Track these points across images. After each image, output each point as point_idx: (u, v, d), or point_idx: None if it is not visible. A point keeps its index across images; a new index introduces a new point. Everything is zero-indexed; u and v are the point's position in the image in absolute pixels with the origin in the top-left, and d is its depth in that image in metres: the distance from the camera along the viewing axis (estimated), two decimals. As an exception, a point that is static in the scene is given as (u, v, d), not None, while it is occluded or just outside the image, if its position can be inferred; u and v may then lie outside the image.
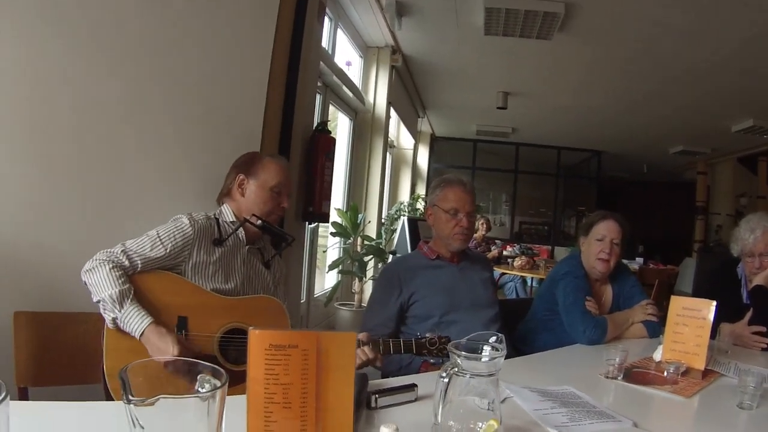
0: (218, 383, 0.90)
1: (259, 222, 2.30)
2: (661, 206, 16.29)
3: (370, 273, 7.07)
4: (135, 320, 1.90)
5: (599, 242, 2.90)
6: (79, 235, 2.49)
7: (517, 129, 12.53)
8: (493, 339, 1.32)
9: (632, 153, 14.17)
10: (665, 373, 2.13)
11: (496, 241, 10.07)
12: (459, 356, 1.21)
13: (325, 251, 7.05)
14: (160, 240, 2.06)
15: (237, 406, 1.01)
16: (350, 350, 1.07)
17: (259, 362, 1.01)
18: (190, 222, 2.14)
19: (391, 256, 7.57)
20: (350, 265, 6.77)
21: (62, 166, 2.51)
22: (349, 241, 6.75)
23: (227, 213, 2.34)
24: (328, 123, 5.30)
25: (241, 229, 2.30)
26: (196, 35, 2.93)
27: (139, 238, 2.06)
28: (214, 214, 2.32)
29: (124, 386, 0.84)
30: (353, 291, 7.02)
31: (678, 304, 2.35)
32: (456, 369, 1.22)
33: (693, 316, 2.28)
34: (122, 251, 2.00)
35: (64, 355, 2.12)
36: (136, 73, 2.71)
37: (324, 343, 1.04)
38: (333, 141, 4.65)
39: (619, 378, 2.08)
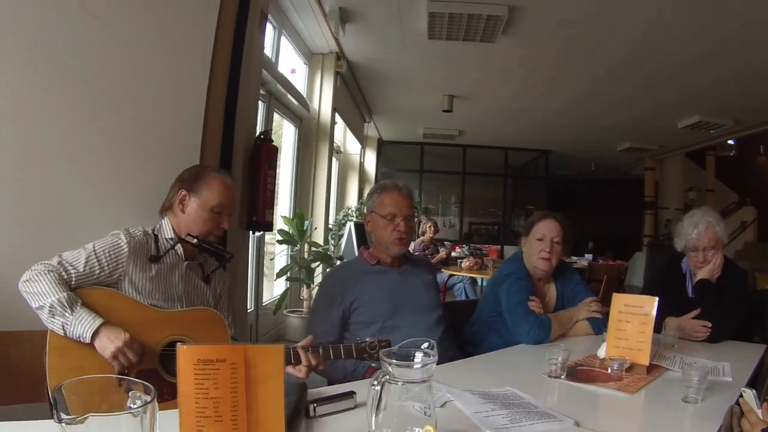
0: (148, 398, 0.91)
1: (195, 241, 2.28)
2: (610, 203, 16.66)
3: (318, 279, 7.06)
4: (87, 321, 1.88)
5: (540, 242, 2.96)
6: (16, 251, 2.42)
7: (463, 131, 12.70)
8: (425, 345, 1.34)
9: (580, 151, 14.51)
10: (609, 370, 2.17)
11: (445, 242, 10.15)
12: (390, 364, 1.23)
13: (272, 259, 7.02)
14: (95, 255, 2.04)
15: (174, 420, 1.02)
16: (279, 362, 1.08)
17: (188, 377, 1.02)
18: (126, 239, 2.12)
19: (338, 262, 7.58)
20: (298, 272, 6.76)
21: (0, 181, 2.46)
22: (296, 248, 6.75)
23: (167, 228, 2.31)
24: (272, 131, 5.29)
25: (179, 245, 2.28)
26: (131, 45, 2.89)
27: (75, 251, 2.04)
28: (153, 230, 2.29)
29: (55, 405, 0.85)
30: (302, 298, 7.01)
31: (620, 301, 2.39)
32: (388, 377, 1.24)
33: (635, 312, 2.32)
34: (59, 262, 1.98)
35: (7, 375, 2.09)
36: (69, 85, 2.66)
37: (252, 356, 1.06)
38: (276, 149, 4.65)
39: (562, 377, 2.11)
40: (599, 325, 2.84)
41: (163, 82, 3.02)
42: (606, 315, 2.73)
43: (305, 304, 6.90)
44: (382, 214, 2.75)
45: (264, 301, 6.44)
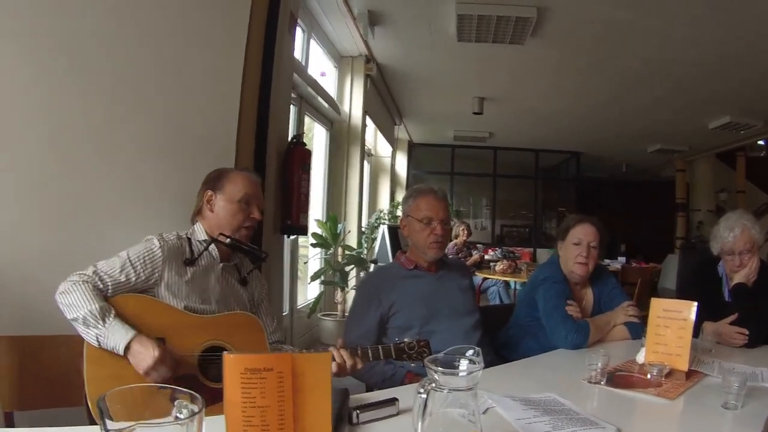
0: (196, 408, 0.90)
1: (228, 240, 2.28)
2: (641, 205, 16.38)
3: (352, 282, 7.07)
4: (119, 334, 1.88)
5: (576, 246, 2.92)
6: (54, 256, 2.45)
7: (494, 133, 12.62)
8: (470, 352, 1.32)
9: (610, 153, 14.34)
10: (649, 376, 2.13)
11: (478, 245, 10.09)
12: (436, 372, 1.21)
13: (306, 262, 7.04)
14: (130, 262, 2.04)
15: (217, 426, 1.01)
16: (326, 370, 1.07)
17: (235, 386, 1.01)
18: (159, 243, 2.13)
19: (372, 265, 7.57)
20: (332, 276, 6.77)
21: (34, 189, 2.48)
22: (330, 251, 6.75)
23: (199, 231, 2.32)
24: (304, 135, 5.30)
25: (213, 246, 2.28)
26: (164, 54, 2.90)
27: (110, 260, 2.04)
28: (186, 234, 2.29)
29: (101, 415, 0.84)
30: (336, 301, 7.03)
31: (658, 305, 2.35)
32: (434, 385, 1.22)
33: (674, 317, 2.27)
34: (94, 272, 1.98)
35: (45, 379, 2.09)
36: (105, 93, 2.68)
37: (299, 364, 1.04)
38: (309, 153, 4.65)
39: (602, 382, 2.07)
40: (636, 330, 2.80)
41: (196, 88, 3.03)
42: (642, 319, 2.69)
43: (339, 307, 6.91)
44: (418, 218, 2.73)
45: (298, 304, 6.46)
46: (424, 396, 1.23)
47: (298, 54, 5.61)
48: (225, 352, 1.01)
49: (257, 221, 2.37)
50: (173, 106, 2.93)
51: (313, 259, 7.07)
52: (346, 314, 6.48)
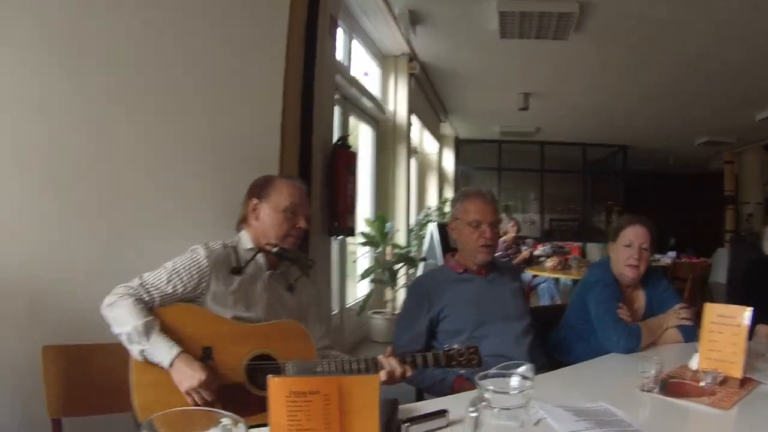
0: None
1: (275, 249, 2.26)
2: (689, 198, 16.07)
3: (401, 281, 7.06)
4: (164, 350, 1.88)
5: (627, 248, 2.84)
6: (100, 266, 2.51)
7: (540, 128, 12.50)
8: (522, 368, 1.29)
9: (657, 146, 14.10)
10: (702, 383, 2.06)
11: (527, 240, 9.98)
12: (487, 391, 1.18)
13: (355, 261, 7.05)
14: (177, 273, 2.05)
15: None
16: (373, 392, 1.05)
17: (280, 409, 1.00)
18: (206, 253, 2.12)
19: (421, 264, 7.55)
20: (381, 274, 6.77)
21: (79, 199, 2.54)
22: (379, 249, 6.74)
23: (245, 240, 2.31)
24: (350, 135, 5.29)
25: (260, 255, 2.27)
26: (205, 61, 2.92)
27: (156, 271, 2.05)
28: (232, 242, 2.29)
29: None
30: (385, 299, 7.02)
31: (712, 311, 2.27)
32: (484, 403, 1.19)
33: (728, 323, 2.20)
34: (140, 284, 2.00)
35: (93, 386, 2.14)
36: (149, 103, 2.72)
37: (346, 387, 1.02)
38: (354, 155, 4.64)
39: (654, 391, 2.01)
40: (689, 333, 2.71)
41: (238, 95, 3.04)
42: (695, 321, 2.60)
43: (389, 305, 6.91)
44: (467, 221, 2.69)
45: (348, 302, 6.48)
46: (474, 415, 1.21)
47: (340, 55, 5.61)
48: (270, 376, 1.00)
49: (303, 230, 2.36)
50: (215, 114, 2.95)
51: (362, 257, 7.08)
52: (396, 312, 6.51)
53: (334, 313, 5.61)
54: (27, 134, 2.40)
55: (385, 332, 6.58)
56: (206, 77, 2.92)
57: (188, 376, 1.87)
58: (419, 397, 2.57)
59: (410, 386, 2.50)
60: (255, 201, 2.32)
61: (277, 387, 1.00)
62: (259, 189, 2.35)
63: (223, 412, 0.94)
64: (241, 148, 3.01)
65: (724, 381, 2.08)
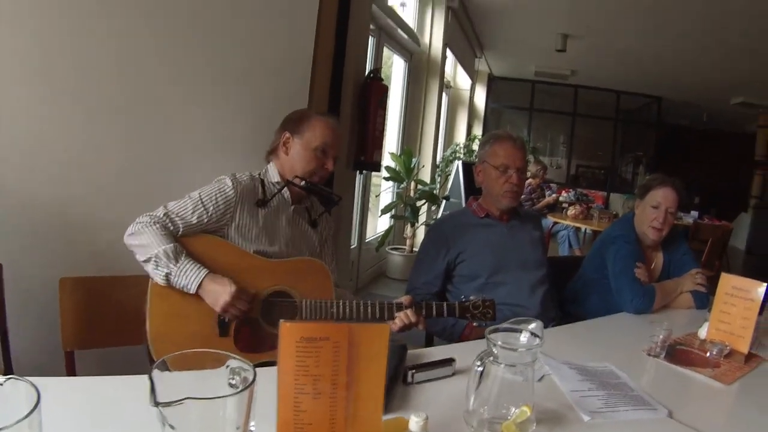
0: (249, 377, 0.91)
1: (303, 183, 2.25)
2: (719, 157, 15.67)
3: (422, 218, 7.06)
4: (192, 272, 1.91)
5: (654, 209, 2.81)
6: (123, 196, 2.50)
7: (576, 71, 12.20)
8: (533, 325, 1.30)
9: (693, 100, 13.73)
10: (708, 354, 2.07)
11: (552, 185, 9.90)
12: (495, 345, 1.19)
13: (378, 195, 7.05)
14: (202, 203, 2.05)
15: (272, 376, 1.02)
16: (383, 341, 1.05)
17: (290, 354, 1.01)
18: (233, 184, 2.12)
19: (444, 202, 7.53)
20: (403, 210, 6.77)
21: (106, 127, 2.50)
22: (403, 185, 6.72)
23: (272, 173, 2.30)
24: (382, 68, 5.22)
25: (286, 189, 2.27)
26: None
27: (181, 201, 2.05)
28: (259, 174, 2.29)
29: (152, 389, 0.85)
30: (405, 236, 7.04)
31: (728, 282, 2.25)
32: (491, 358, 1.21)
33: (742, 296, 2.18)
34: (165, 214, 2.00)
35: (108, 319, 2.16)
36: (178, 29, 2.66)
37: (356, 335, 1.03)
38: (386, 88, 4.60)
39: (661, 356, 2.03)
40: (702, 300, 2.72)
41: (271, 24, 2.97)
42: (710, 288, 2.60)
43: (408, 242, 6.93)
44: (494, 165, 2.66)
45: (367, 237, 6.51)
46: (480, 369, 1.22)
47: (378, -16, 5.49)
48: (282, 321, 1.00)
49: (329, 172, 2.35)
50: (247, 40, 2.90)
51: (385, 192, 7.06)
52: (414, 250, 6.53)
53: (352, 247, 5.65)
54: (54, 53, 2.34)
55: (402, 269, 6.63)
56: (238, 6, 2.86)
57: (220, 293, 1.90)
58: (429, 342, 2.60)
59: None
60: (287, 134, 2.30)
61: (288, 332, 1.01)
62: (294, 123, 2.33)
63: (231, 354, 0.95)
64: (272, 79, 2.96)
65: (730, 354, 2.09)
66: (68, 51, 2.36)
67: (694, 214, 8.96)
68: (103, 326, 2.15)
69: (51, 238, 2.38)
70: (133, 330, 2.02)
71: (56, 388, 1.25)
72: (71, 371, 2.04)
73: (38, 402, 0.77)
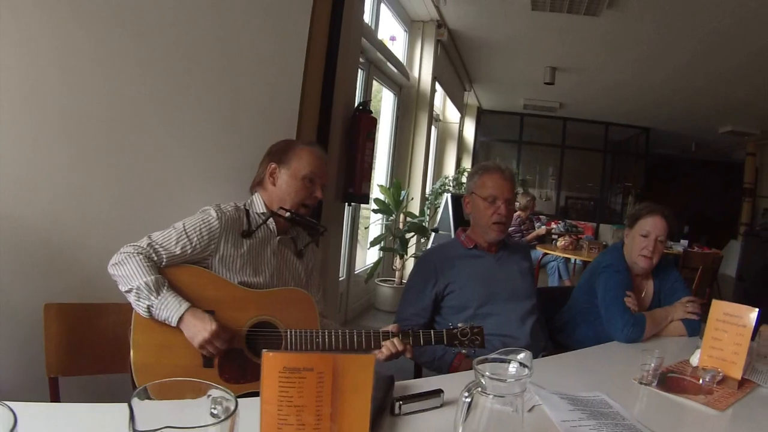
0: (231, 407, 0.89)
1: (288, 214, 2.24)
2: (708, 186, 15.93)
3: (411, 250, 7.05)
4: (173, 306, 1.88)
5: (644, 238, 2.82)
6: (110, 225, 2.48)
7: (564, 104, 12.36)
8: (522, 356, 1.29)
9: (681, 131, 13.92)
10: (701, 381, 2.06)
11: (541, 217, 9.92)
12: (483, 376, 1.17)
13: (367, 227, 7.04)
14: (186, 234, 2.03)
15: (256, 406, 1.00)
16: (368, 372, 1.04)
17: (272, 384, 0.99)
18: (217, 215, 2.10)
19: (433, 234, 7.53)
20: (392, 242, 6.76)
21: (92, 155, 2.48)
22: (392, 217, 6.72)
23: (258, 203, 2.29)
24: (371, 100, 5.25)
25: (271, 219, 2.25)
26: (227, 17, 2.84)
27: (165, 231, 2.04)
28: (244, 205, 2.27)
29: (131, 417, 0.83)
30: (394, 268, 7.03)
31: (719, 308, 2.25)
32: (479, 389, 1.19)
33: (734, 322, 2.18)
34: (149, 244, 1.98)
35: (93, 346, 2.13)
36: (166, 57, 2.65)
37: (341, 365, 1.01)
38: (374, 121, 4.60)
39: (653, 384, 2.01)
40: (694, 327, 2.72)
41: (260, 54, 2.96)
42: (702, 315, 2.60)
43: (397, 274, 6.91)
44: (482, 196, 2.66)
45: (356, 269, 6.48)
46: (467, 400, 1.20)
47: (367, 18, 5.54)
48: (264, 351, 0.99)
49: (318, 200, 2.34)
50: (235, 73, 2.88)
51: (374, 224, 7.05)
52: (403, 282, 6.51)
53: (341, 279, 5.62)
54: (42, 91, 2.34)
55: (391, 301, 6.60)
56: (227, 34, 2.84)
57: (200, 329, 1.87)
58: (417, 373, 2.58)
59: (409, 360, 2.50)
60: (273, 165, 2.30)
61: (271, 362, 0.99)
62: (279, 153, 2.32)
63: (213, 384, 0.93)
64: (259, 109, 2.95)
65: (723, 380, 2.08)
66: (58, 83, 2.37)
67: (684, 243, 8.99)
68: (88, 353, 2.12)
69: (36, 264, 2.35)
70: (117, 358, 2.01)
71: (38, 414, 1.22)
72: (55, 398, 2.01)
73: (15, 426, 0.75)
